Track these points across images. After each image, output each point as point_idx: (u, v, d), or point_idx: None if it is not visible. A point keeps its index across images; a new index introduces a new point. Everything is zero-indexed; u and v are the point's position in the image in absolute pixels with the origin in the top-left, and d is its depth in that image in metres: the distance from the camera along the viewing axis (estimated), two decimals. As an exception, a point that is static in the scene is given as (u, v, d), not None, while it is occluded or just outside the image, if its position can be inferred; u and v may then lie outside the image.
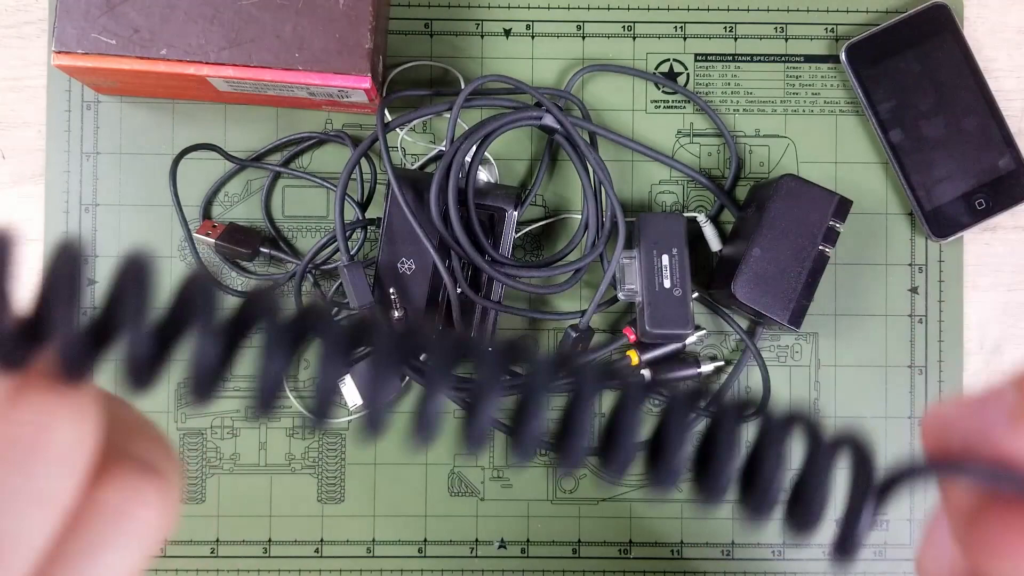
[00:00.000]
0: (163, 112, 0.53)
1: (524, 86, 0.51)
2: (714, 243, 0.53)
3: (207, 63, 0.46)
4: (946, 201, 0.53)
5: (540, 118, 0.50)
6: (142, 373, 0.17)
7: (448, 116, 0.50)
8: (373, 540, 0.53)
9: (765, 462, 0.19)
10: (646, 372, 0.52)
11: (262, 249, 0.52)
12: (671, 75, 0.54)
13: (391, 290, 0.49)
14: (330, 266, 0.52)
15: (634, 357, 0.52)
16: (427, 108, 0.50)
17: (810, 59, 0.54)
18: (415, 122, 0.53)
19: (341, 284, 0.50)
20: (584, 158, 0.51)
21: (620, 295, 0.51)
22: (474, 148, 0.49)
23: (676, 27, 0.54)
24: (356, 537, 0.53)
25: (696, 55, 0.54)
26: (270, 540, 0.53)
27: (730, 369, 0.53)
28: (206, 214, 0.53)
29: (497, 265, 0.49)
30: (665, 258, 0.49)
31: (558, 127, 0.50)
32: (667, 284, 0.49)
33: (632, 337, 0.51)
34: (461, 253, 0.48)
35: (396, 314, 0.49)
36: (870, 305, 0.54)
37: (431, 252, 0.48)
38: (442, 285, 0.50)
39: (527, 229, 0.54)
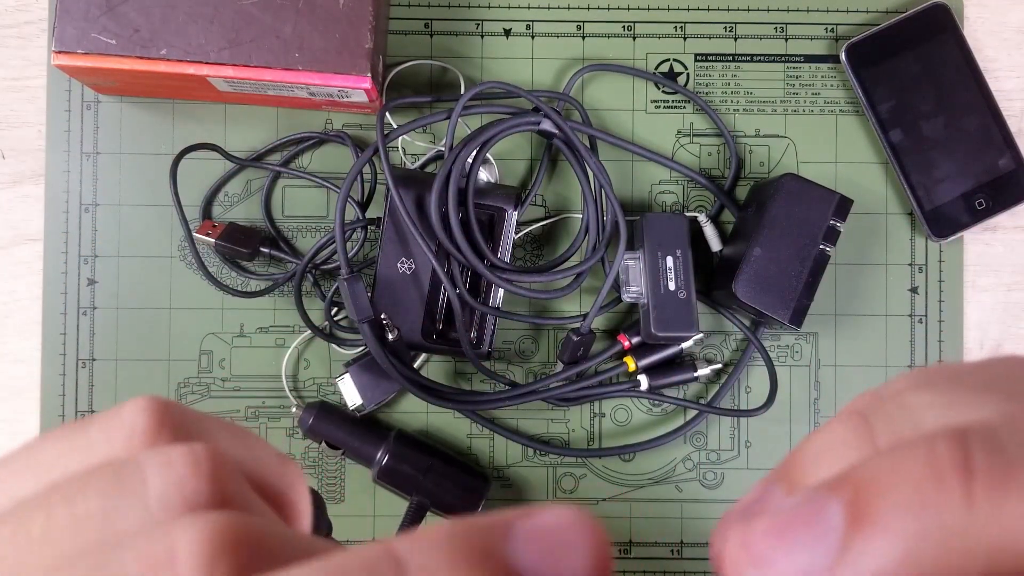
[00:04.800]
0: (163, 112, 0.53)
1: (522, 91, 0.50)
2: (714, 243, 0.53)
3: (207, 63, 0.46)
4: (946, 201, 0.53)
5: (539, 123, 0.50)
6: None
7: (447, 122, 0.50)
8: (373, 540, 0.53)
9: None
10: (643, 378, 0.51)
11: (262, 249, 0.52)
12: (671, 75, 0.54)
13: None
14: (330, 266, 0.52)
15: (631, 363, 0.51)
16: (426, 117, 0.50)
17: (810, 59, 0.54)
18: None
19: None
20: (584, 162, 0.51)
21: (625, 297, 0.50)
22: (473, 154, 0.49)
23: (676, 27, 0.54)
24: (356, 537, 0.53)
25: (696, 55, 0.54)
26: (270, 540, 0.53)
27: (730, 371, 0.53)
28: (206, 214, 0.53)
29: (497, 271, 0.49)
30: (669, 260, 0.49)
31: (557, 132, 0.50)
32: (672, 286, 0.49)
33: (627, 344, 0.51)
34: (461, 259, 0.48)
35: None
36: (870, 305, 0.54)
37: (430, 259, 0.48)
38: (442, 285, 0.50)
39: (527, 229, 0.54)
